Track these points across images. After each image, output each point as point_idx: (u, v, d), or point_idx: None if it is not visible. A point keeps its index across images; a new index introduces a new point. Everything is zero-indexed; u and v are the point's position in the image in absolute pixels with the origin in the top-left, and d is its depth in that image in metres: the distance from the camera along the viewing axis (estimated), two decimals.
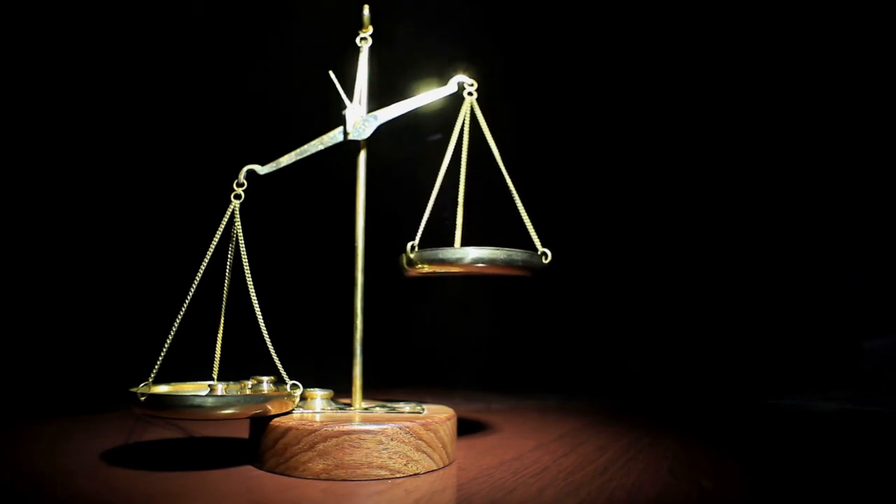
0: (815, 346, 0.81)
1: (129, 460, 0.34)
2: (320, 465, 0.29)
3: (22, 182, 0.70)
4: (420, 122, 0.41)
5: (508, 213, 0.37)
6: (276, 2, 0.82)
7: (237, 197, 0.35)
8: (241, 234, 0.35)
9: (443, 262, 0.33)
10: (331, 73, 0.35)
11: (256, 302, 0.34)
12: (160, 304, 0.55)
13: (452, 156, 0.37)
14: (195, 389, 0.35)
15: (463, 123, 0.37)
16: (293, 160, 0.36)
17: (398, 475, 0.30)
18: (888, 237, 0.81)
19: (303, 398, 0.34)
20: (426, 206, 0.36)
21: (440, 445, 0.32)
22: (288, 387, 0.33)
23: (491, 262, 0.33)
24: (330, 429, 0.29)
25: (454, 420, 0.34)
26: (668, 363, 0.89)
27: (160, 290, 0.54)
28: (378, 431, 0.30)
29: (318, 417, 0.32)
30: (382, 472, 0.29)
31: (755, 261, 0.88)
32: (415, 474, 0.30)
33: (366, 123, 0.36)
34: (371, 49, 0.36)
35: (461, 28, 0.86)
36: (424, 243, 0.34)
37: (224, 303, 0.36)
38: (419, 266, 0.34)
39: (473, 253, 0.33)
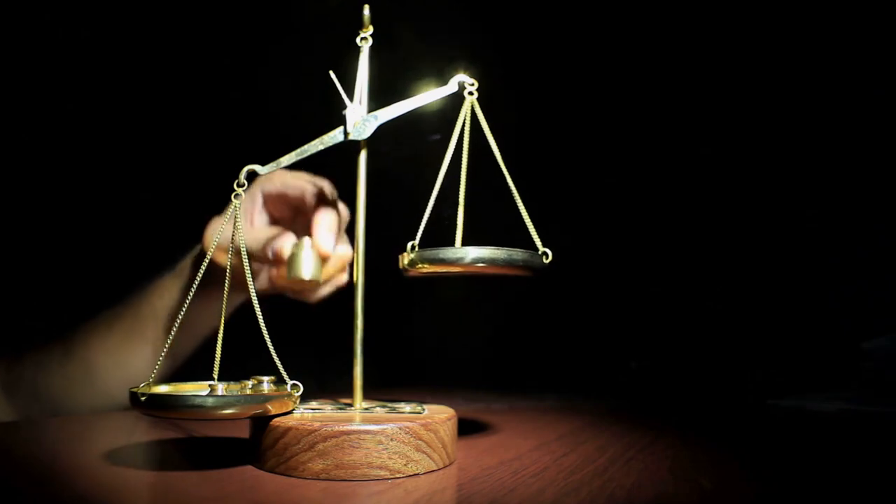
0: (815, 346, 0.81)
1: (129, 460, 0.34)
2: (320, 465, 0.29)
3: (19, 181, 0.70)
4: (421, 122, 0.41)
5: (510, 213, 0.37)
6: (277, 2, 0.82)
7: (237, 197, 0.35)
8: (242, 236, 0.35)
9: (443, 261, 0.33)
10: (331, 72, 0.35)
11: (257, 302, 0.34)
12: None
13: (453, 155, 0.37)
14: (195, 389, 0.35)
15: (463, 123, 0.37)
16: (293, 160, 0.36)
17: (398, 475, 0.30)
18: (888, 237, 0.81)
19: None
20: (426, 205, 0.36)
21: (440, 445, 0.32)
22: (288, 387, 0.33)
23: (491, 261, 0.33)
24: (330, 429, 0.29)
25: (454, 420, 0.34)
26: (667, 363, 0.89)
27: None
28: (378, 431, 0.30)
29: (318, 417, 0.32)
30: (382, 473, 0.29)
31: (755, 260, 0.88)
32: (415, 474, 0.30)
33: (366, 123, 0.36)
34: (371, 49, 0.36)
35: (462, 27, 0.86)
36: (425, 243, 0.34)
37: (224, 303, 0.36)
38: (419, 266, 0.34)
39: (473, 253, 0.33)
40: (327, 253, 0.43)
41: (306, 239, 0.41)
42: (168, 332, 0.51)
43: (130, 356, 0.52)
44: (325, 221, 0.44)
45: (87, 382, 0.53)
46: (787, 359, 0.82)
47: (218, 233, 0.40)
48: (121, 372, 0.52)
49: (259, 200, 0.48)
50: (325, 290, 0.49)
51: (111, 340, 0.53)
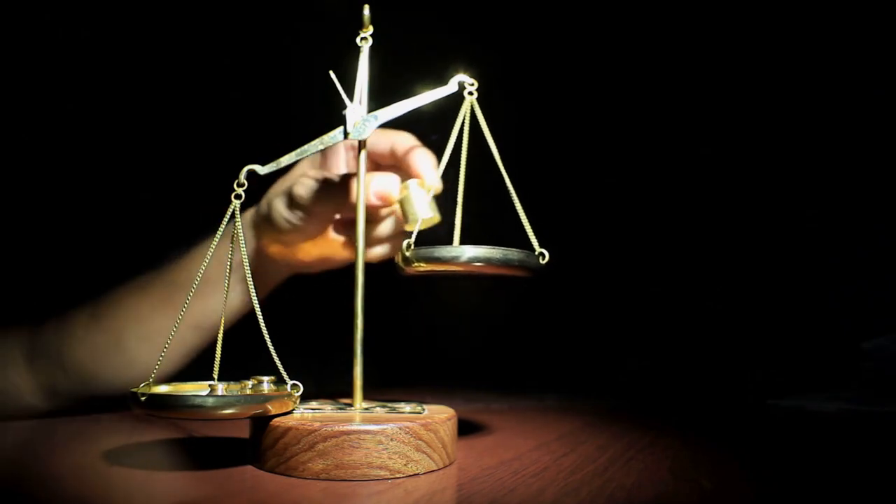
0: (815, 346, 0.81)
1: (129, 460, 0.34)
2: (320, 465, 0.29)
3: (19, 181, 0.70)
4: (421, 122, 0.41)
5: (509, 213, 0.37)
6: (277, 2, 0.82)
7: (237, 197, 0.35)
8: (242, 234, 0.35)
9: (439, 260, 0.33)
10: (331, 72, 0.35)
11: (257, 302, 0.34)
12: None
13: (452, 155, 0.37)
14: (195, 389, 0.35)
15: (463, 123, 0.37)
16: (293, 160, 0.36)
17: (398, 475, 0.30)
18: (888, 237, 0.81)
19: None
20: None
21: (440, 445, 0.32)
22: (288, 387, 0.33)
23: (487, 261, 0.33)
24: (329, 429, 0.29)
25: (454, 420, 0.34)
26: (667, 363, 0.89)
27: None
28: (378, 431, 0.30)
29: (318, 417, 0.32)
30: (382, 473, 0.29)
31: (754, 260, 0.88)
32: (415, 474, 0.30)
33: (366, 123, 0.36)
34: (371, 49, 0.36)
35: (462, 27, 0.86)
36: (422, 242, 0.34)
37: (225, 303, 0.36)
38: (415, 264, 0.33)
39: (470, 252, 0.33)
40: (438, 186, 0.41)
41: (411, 180, 0.40)
42: (202, 300, 0.47)
43: (161, 326, 0.50)
44: (425, 159, 0.43)
45: (114, 352, 0.51)
46: (787, 359, 0.82)
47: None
48: (150, 342, 0.50)
49: (342, 155, 0.47)
50: (384, 250, 0.46)
51: (142, 309, 0.51)
